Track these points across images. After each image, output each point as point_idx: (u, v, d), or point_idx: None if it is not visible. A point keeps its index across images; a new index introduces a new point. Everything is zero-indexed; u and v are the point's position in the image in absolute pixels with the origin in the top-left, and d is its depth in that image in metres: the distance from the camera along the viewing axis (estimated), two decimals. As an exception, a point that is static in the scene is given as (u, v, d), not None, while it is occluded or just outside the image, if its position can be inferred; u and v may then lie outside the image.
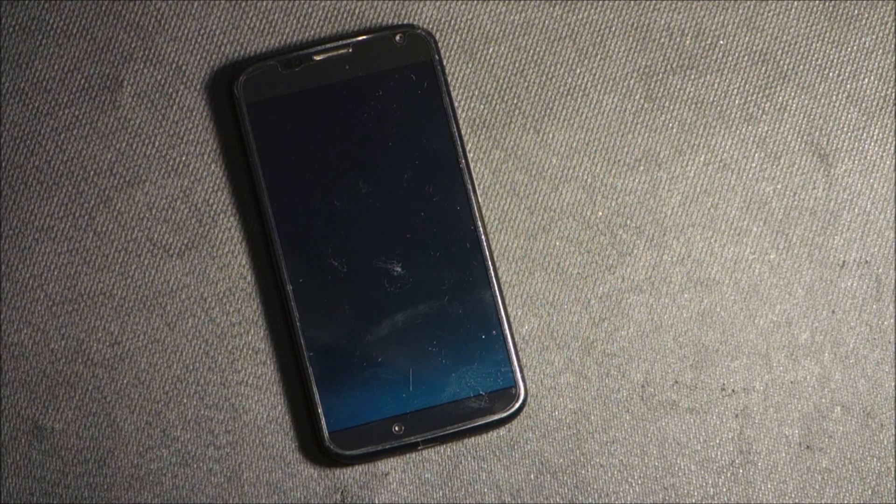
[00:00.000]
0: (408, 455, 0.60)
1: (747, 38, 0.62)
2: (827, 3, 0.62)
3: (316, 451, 0.60)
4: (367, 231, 0.59)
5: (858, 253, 0.62)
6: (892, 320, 0.61)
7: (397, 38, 0.60)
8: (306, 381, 0.59)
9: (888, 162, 0.62)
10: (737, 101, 0.62)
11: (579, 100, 0.62)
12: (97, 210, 0.60)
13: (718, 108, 0.62)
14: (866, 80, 0.62)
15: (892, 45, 0.62)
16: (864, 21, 0.62)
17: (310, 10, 0.61)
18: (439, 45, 0.61)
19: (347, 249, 0.59)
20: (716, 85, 0.62)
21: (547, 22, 0.62)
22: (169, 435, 0.59)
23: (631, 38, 0.62)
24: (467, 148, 0.61)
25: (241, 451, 0.60)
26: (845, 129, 0.62)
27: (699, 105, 0.62)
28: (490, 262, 0.60)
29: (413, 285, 0.59)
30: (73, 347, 0.59)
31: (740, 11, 0.62)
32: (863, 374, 0.61)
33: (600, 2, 0.62)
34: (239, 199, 0.60)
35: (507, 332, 0.60)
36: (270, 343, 0.60)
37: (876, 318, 0.61)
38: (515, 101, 0.62)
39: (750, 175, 0.62)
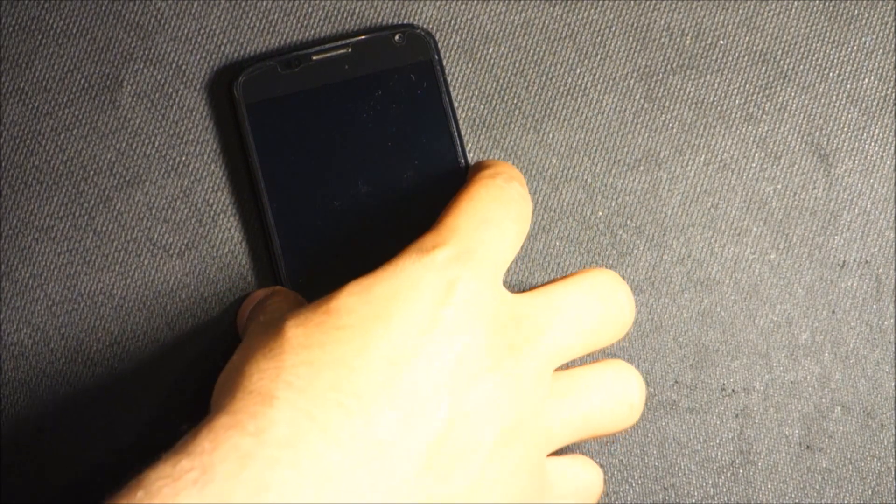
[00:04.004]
0: (408, 455, 0.60)
1: (747, 38, 0.62)
2: (827, 3, 0.63)
3: (316, 450, 0.60)
4: (367, 231, 0.59)
5: (859, 253, 0.62)
6: (893, 320, 0.61)
7: (397, 37, 0.60)
8: (306, 380, 0.59)
9: (888, 162, 0.62)
10: (737, 101, 0.62)
11: (579, 100, 0.62)
12: (97, 210, 0.60)
13: (718, 108, 0.62)
14: (866, 79, 0.62)
15: (893, 45, 0.62)
16: (864, 21, 0.62)
17: (309, 9, 0.61)
18: (439, 44, 0.61)
19: (347, 249, 0.59)
20: (716, 85, 0.62)
21: (547, 22, 0.62)
22: (170, 436, 0.59)
23: (631, 38, 0.62)
24: (467, 148, 0.61)
25: (241, 450, 0.60)
26: (845, 129, 0.62)
27: (699, 105, 0.62)
28: (490, 262, 0.60)
29: (413, 285, 0.59)
30: (74, 347, 0.60)
31: (740, 11, 0.62)
32: (863, 374, 0.61)
33: (600, 2, 0.62)
34: (239, 199, 0.60)
35: (507, 332, 0.60)
36: (270, 343, 0.60)
37: (876, 317, 0.61)
38: (515, 101, 0.62)
39: (750, 175, 0.62)
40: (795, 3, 0.62)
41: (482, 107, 0.61)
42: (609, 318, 0.54)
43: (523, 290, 0.61)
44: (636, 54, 0.62)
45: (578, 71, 0.62)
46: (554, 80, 0.62)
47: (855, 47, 0.62)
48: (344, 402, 0.47)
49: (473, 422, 0.49)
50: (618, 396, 0.54)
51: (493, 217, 0.53)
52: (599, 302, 0.54)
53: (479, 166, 0.57)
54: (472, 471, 0.49)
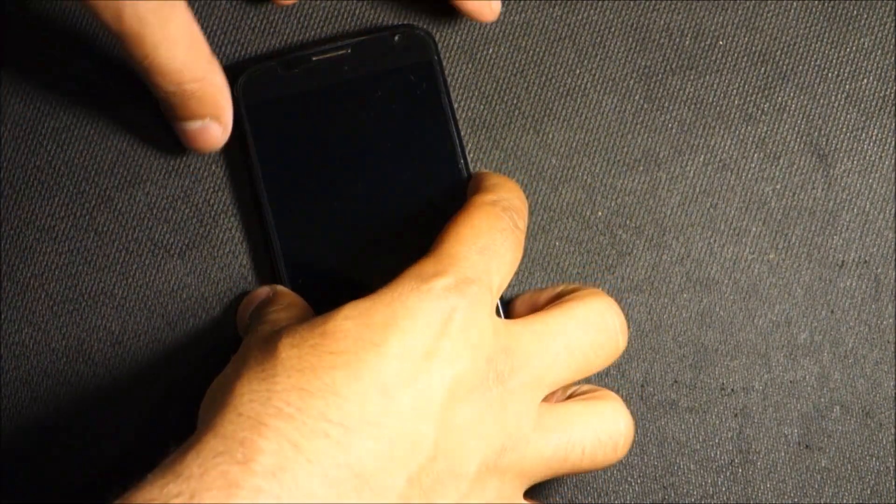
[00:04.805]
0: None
1: (746, 39, 0.62)
2: (826, 4, 0.63)
3: (316, 450, 0.60)
4: (366, 231, 0.59)
5: (857, 253, 0.62)
6: (891, 320, 0.61)
7: (396, 38, 0.60)
8: (306, 380, 0.59)
9: (887, 162, 0.62)
10: (736, 102, 0.62)
11: (579, 100, 0.62)
12: (98, 210, 0.60)
13: (718, 108, 0.62)
14: (865, 80, 0.62)
15: (891, 46, 0.62)
16: (862, 21, 0.63)
17: (309, 10, 0.61)
18: (438, 45, 0.61)
19: (347, 250, 0.59)
20: (715, 85, 0.62)
21: (547, 22, 0.62)
22: (171, 436, 0.59)
23: (630, 39, 0.62)
24: (467, 148, 0.61)
25: (241, 450, 0.60)
26: (844, 130, 0.62)
27: (698, 105, 0.62)
28: (490, 262, 0.60)
29: (413, 285, 0.59)
30: (75, 347, 0.60)
31: (739, 12, 0.62)
32: (861, 373, 0.61)
33: (600, 2, 0.62)
34: (239, 199, 0.60)
35: (507, 331, 0.60)
36: (271, 343, 0.60)
37: (875, 317, 0.62)
38: (515, 102, 0.62)
39: (749, 175, 0.62)
40: (794, 3, 0.63)
41: (482, 107, 0.62)
42: (600, 346, 0.55)
43: (522, 292, 0.61)
44: (635, 55, 0.62)
45: (578, 71, 0.62)
46: (553, 80, 0.62)
47: (854, 48, 0.62)
48: (331, 432, 0.48)
49: (456, 454, 0.50)
50: (603, 438, 0.54)
51: (491, 246, 0.53)
52: (591, 330, 0.54)
53: (481, 186, 0.57)
54: (449, 502, 0.50)
